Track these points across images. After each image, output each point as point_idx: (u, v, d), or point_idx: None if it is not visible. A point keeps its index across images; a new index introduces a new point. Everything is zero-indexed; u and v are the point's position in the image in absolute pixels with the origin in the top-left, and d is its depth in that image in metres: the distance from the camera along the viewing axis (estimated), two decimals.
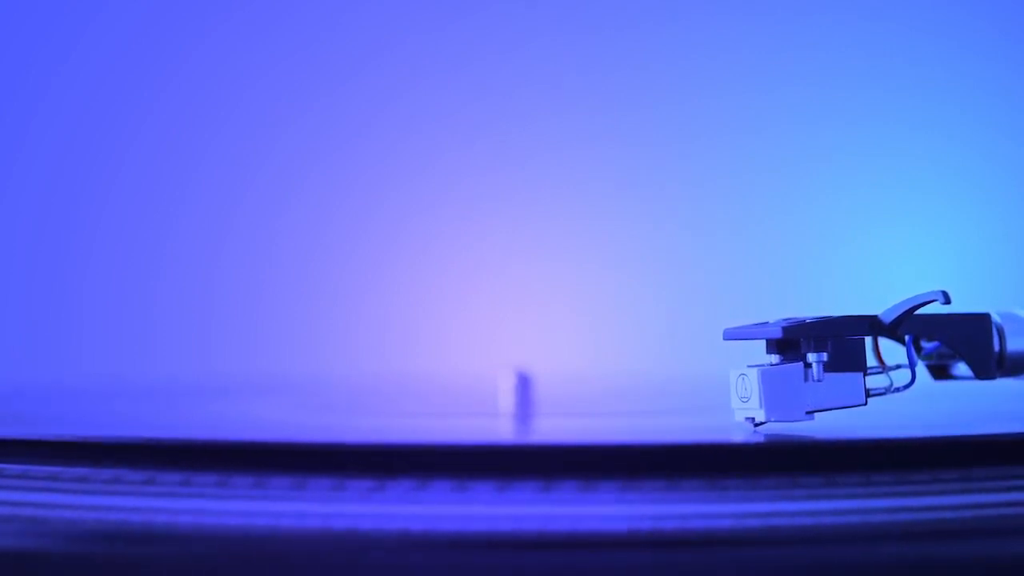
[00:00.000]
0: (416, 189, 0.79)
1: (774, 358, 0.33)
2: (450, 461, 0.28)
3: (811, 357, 0.32)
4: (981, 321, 0.33)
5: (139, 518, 0.27)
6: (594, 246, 0.78)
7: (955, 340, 0.33)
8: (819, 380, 0.32)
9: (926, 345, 0.34)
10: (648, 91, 0.79)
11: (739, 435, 0.32)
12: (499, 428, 0.40)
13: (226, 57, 0.79)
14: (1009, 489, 0.28)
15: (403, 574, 0.25)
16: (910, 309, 0.32)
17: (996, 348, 0.33)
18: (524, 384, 0.46)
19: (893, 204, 0.78)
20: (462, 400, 0.54)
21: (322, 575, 0.25)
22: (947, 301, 0.32)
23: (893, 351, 0.33)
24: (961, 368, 0.35)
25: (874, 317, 0.33)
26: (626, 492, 0.27)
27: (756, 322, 0.33)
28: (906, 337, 0.33)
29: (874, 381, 0.33)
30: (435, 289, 0.78)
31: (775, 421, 0.32)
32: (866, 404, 0.33)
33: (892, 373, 0.33)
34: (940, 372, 0.35)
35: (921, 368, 0.34)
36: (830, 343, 0.32)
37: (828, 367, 0.32)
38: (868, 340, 0.33)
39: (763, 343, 0.33)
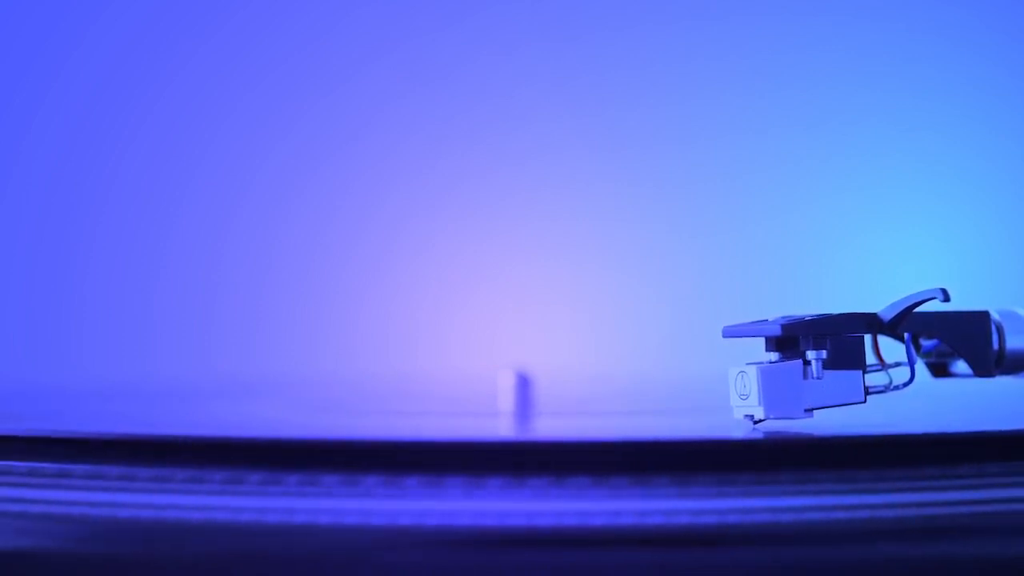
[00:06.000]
0: (416, 189, 0.79)
1: (773, 356, 0.33)
2: (448, 460, 0.28)
3: (810, 355, 0.32)
4: (980, 319, 0.33)
5: (137, 515, 0.27)
6: (594, 246, 0.78)
7: (954, 338, 0.33)
8: (818, 378, 0.32)
9: (925, 343, 0.34)
10: (648, 91, 0.79)
11: (738, 432, 0.32)
12: (499, 427, 0.40)
13: (226, 58, 0.79)
14: (1009, 486, 0.28)
15: (399, 572, 0.25)
16: (909, 307, 0.32)
17: (995, 346, 0.33)
18: (524, 384, 0.46)
19: (893, 204, 0.78)
20: (462, 400, 0.54)
21: (319, 572, 0.25)
22: (946, 299, 0.32)
23: (892, 349, 0.33)
24: (960, 366, 0.35)
25: (873, 315, 0.33)
26: (624, 490, 0.27)
27: (755, 320, 0.33)
28: (905, 335, 0.33)
29: (873, 379, 0.33)
30: (435, 289, 0.78)
31: (774, 418, 0.32)
32: (865, 402, 0.33)
33: (891, 371, 0.33)
34: (939, 370, 0.35)
35: (920, 366, 0.34)
36: (829, 341, 0.32)
37: (827, 365, 0.32)
38: (867, 338, 0.33)
39: (762, 341, 0.33)
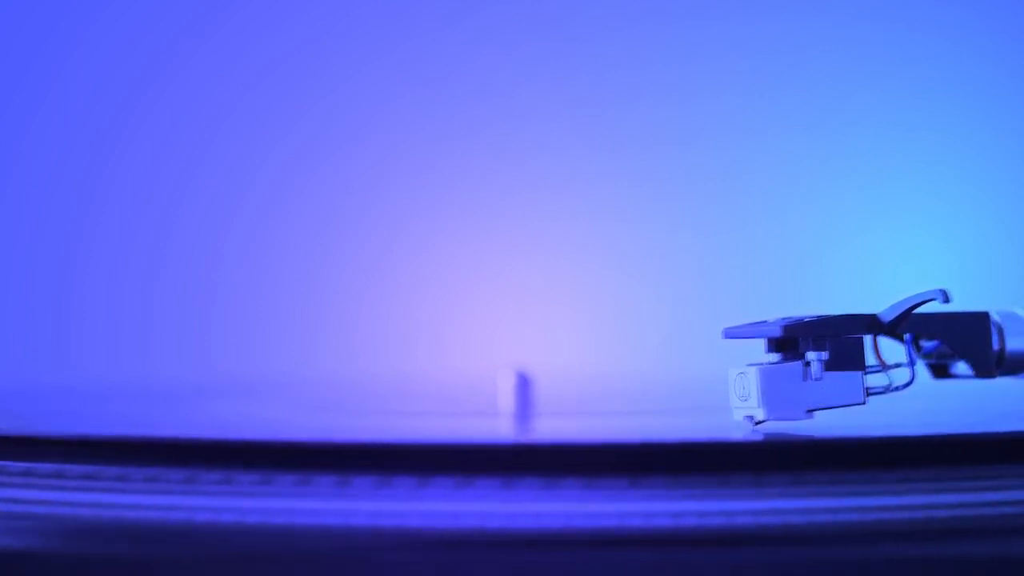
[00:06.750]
0: (416, 189, 0.79)
1: (773, 357, 0.33)
2: (449, 460, 0.28)
3: (810, 356, 0.32)
4: (981, 320, 0.33)
5: (138, 515, 0.27)
6: (594, 246, 0.78)
7: (955, 339, 0.33)
8: (818, 379, 0.32)
9: (925, 344, 0.34)
10: (648, 91, 0.79)
11: (738, 434, 0.32)
12: (499, 428, 0.40)
13: (226, 58, 0.79)
14: (1009, 488, 0.28)
15: (401, 572, 0.25)
16: (910, 308, 0.33)
17: (995, 347, 0.33)
18: (524, 384, 0.46)
19: (892, 204, 0.78)
20: (462, 400, 0.54)
21: (319, 572, 0.25)
22: (946, 300, 0.32)
23: (893, 350, 0.33)
24: (961, 367, 0.35)
25: (873, 316, 0.33)
26: (625, 491, 0.27)
27: (755, 321, 0.33)
28: (905, 336, 0.33)
29: (873, 380, 0.33)
30: (435, 289, 0.78)
31: (774, 420, 0.32)
32: (865, 403, 0.33)
33: (891, 372, 0.33)
34: (940, 371, 0.35)
35: (921, 367, 0.34)
36: (829, 342, 0.32)
37: (827, 366, 0.32)
38: (867, 339, 0.33)
39: (762, 342, 0.33)
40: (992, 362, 0.33)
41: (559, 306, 0.78)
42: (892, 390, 0.33)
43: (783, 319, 0.33)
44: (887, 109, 0.78)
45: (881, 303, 0.33)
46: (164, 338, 0.79)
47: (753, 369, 0.32)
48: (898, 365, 0.33)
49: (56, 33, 0.79)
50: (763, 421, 0.32)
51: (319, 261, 0.79)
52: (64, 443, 0.31)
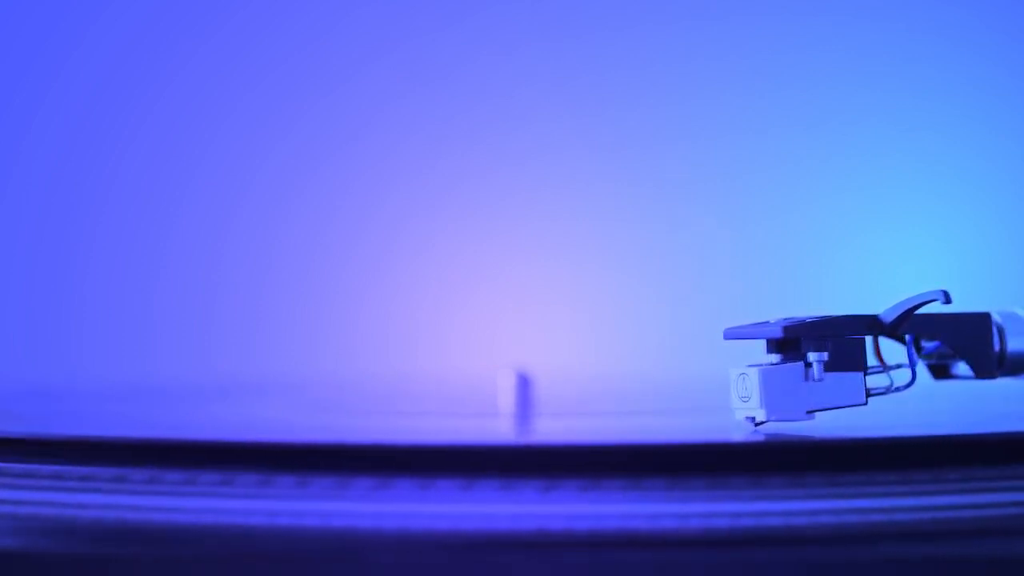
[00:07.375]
0: (416, 189, 0.79)
1: (774, 357, 0.33)
2: (450, 461, 0.28)
3: (811, 356, 0.32)
4: (982, 321, 0.33)
5: (138, 516, 0.27)
6: (594, 246, 0.78)
7: (956, 340, 0.33)
8: (819, 380, 0.32)
9: (926, 345, 0.34)
10: (648, 91, 0.79)
11: (739, 434, 0.32)
12: (499, 428, 0.40)
13: (226, 58, 0.79)
14: (1009, 489, 0.28)
15: (402, 573, 0.25)
16: (911, 309, 0.33)
17: (996, 348, 0.33)
18: (524, 384, 0.46)
19: (893, 204, 0.78)
20: (462, 400, 0.54)
21: (321, 573, 0.25)
22: (947, 301, 0.32)
23: (893, 350, 0.33)
24: (961, 368, 0.35)
25: (874, 317, 0.33)
26: (626, 492, 0.27)
27: (756, 322, 0.33)
28: (906, 337, 0.33)
29: (874, 380, 0.33)
30: (435, 289, 0.78)
31: (775, 420, 0.32)
32: (866, 403, 0.33)
33: (892, 372, 0.33)
34: (940, 372, 0.35)
35: (921, 368, 0.34)
36: (830, 342, 0.32)
37: (828, 367, 0.32)
38: (868, 340, 0.33)
39: (763, 343, 0.33)
40: (993, 363, 0.33)
41: (559, 306, 0.78)
42: (893, 391, 0.33)
43: (784, 320, 0.33)
44: (887, 109, 0.78)
45: (882, 303, 0.33)
46: (164, 338, 0.79)
47: (754, 370, 0.32)
48: (899, 366, 0.33)
49: (56, 33, 0.79)
50: (764, 422, 0.32)
51: (319, 261, 0.79)
52: (64, 444, 0.31)
